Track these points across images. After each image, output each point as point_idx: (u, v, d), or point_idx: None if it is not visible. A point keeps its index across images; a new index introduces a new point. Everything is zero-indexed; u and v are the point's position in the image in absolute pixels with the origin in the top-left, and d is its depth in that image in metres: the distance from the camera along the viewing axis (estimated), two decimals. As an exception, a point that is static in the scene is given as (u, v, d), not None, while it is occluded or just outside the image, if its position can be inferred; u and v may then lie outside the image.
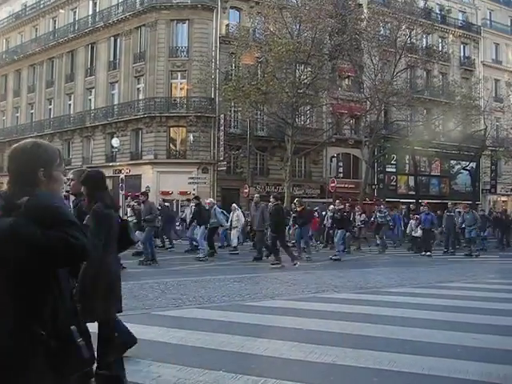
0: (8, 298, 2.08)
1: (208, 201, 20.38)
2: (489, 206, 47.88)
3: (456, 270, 15.90)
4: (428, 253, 21.64)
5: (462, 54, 50.58)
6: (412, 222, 24.19)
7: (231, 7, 39.04)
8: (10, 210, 2.15)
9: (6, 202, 2.20)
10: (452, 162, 46.51)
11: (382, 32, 37.73)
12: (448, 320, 8.04)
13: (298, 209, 18.94)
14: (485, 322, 7.89)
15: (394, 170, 44.42)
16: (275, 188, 37.78)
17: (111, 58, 41.53)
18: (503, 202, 52.03)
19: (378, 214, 25.43)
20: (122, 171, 36.63)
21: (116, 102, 40.58)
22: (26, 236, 2.06)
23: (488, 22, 52.92)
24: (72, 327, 2.21)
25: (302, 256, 18.12)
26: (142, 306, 8.63)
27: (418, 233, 22.93)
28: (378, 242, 24.20)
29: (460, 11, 51.11)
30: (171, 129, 37.86)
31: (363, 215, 26.65)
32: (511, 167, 50.09)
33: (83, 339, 2.23)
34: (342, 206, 20.69)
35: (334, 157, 42.02)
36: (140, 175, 36.48)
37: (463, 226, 23.02)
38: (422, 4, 43.85)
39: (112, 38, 41.24)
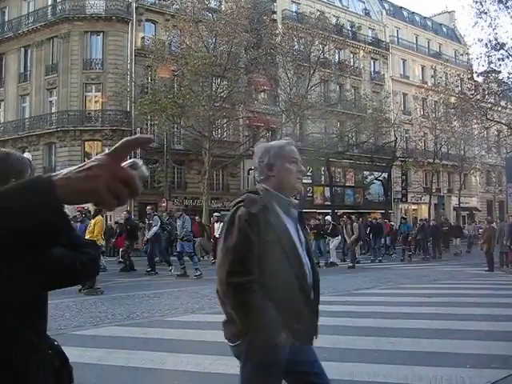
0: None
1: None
2: (400, 214, 49.84)
3: (371, 278, 16.37)
4: None
5: (372, 69, 52.55)
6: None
7: (146, 20, 38.73)
8: None
9: None
10: (365, 172, 48.02)
11: (296, 47, 38.60)
12: (365, 326, 8.27)
13: None
14: (400, 326, 8.17)
15: (309, 181, 45.29)
16: (193, 201, 37.64)
17: (21, 70, 40.04)
18: (413, 210, 54.30)
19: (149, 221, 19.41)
20: (34, 187, 35.34)
21: (27, 116, 39.12)
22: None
23: (395, 38, 55.34)
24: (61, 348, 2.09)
25: None
26: (57, 327, 8.19)
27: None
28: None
29: (370, 28, 53.15)
30: (86, 143, 36.95)
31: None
32: (420, 177, 52.43)
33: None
34: None
35: (251, 169, 42.24)
36: (53, 191, 35.16)
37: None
38: (333, 21, 45.26)
39: (22, 49, 39.80)
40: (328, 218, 23.73)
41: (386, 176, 45.84)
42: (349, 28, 49.82)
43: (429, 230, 27.12)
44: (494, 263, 18.95)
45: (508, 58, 28.36)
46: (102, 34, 37.44)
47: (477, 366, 5.85)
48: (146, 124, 37.43)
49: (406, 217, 33.25)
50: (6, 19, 41.19)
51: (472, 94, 36.65)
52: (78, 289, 12.93)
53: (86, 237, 14.07)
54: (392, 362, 6.07)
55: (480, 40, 29.58)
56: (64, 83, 36.92)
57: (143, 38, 38.08)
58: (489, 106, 36.26)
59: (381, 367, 5.82)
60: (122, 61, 36.60)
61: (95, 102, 37.73)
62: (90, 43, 37.62)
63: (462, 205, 51.94)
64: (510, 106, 42.60)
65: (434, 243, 27.28)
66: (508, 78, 30.38)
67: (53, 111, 37.82)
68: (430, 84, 52.16)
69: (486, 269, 18.65)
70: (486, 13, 28.22)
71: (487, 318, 8.99)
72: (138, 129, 36.25)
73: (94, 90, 37.63)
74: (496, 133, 49.84)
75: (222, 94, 33.66)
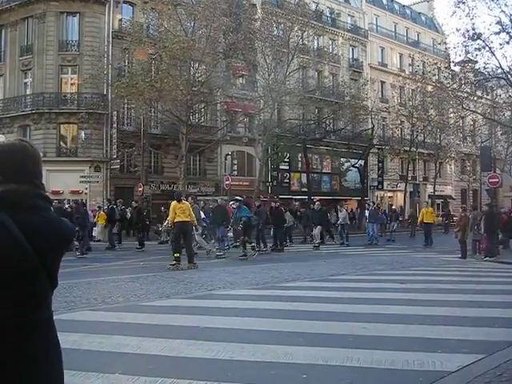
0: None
1: None
2: (376, 202, 50.31)
3: (346, 263, 16.52)
4: None
5: (350, 56, 52.65)
6: None
7: (124, 1, 38.18)
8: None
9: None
10: (342, 159, 48.27)
11: (275, 32, 38.43)
12: (340, 311, 8.36)
13: None
14: (374, 312, 8.27)
15: (287, 167, 45.42)
16: (170, 186, 37.48)
17: (-5, 50, 39.26)
18: (389, 197, 54.79)
19: None
20: (8, 170, 34.76)
21: (1, 97, 38.39)
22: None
23: (374, 26, 55.43)
24: None
25: None
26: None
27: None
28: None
29: (349, 15, 53.15)
30: (61, 125, 36.47)
31: None
32: (396, 164, 52.87)
33: None
34: None
35: (228, 155, 42.31)
36: (28, 174, 34.66)
37: None
38: (313, 7, 45.15)
39: (-4, 29, 39.02)
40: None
41: (363, 163, 46.11)
42: (328, 14, 49.74)
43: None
44: (467, 250, 19.25)
45: (484, 48, 28.53)
46: (78, 14, 36.84)
47: (447, 350, 5.95)
48: (123, 108, 37.10)
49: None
50: (-21, -2, 40.27)
51: (449, 84, 36.96)
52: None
53: (184, 219, 15.19)
54: (366, 346, 6.15)
55: (458, 30, 30.08)
56: (39, 65, 36.31)
57: (121, 20, 37.57)
58: (465, 95, 36.60)
59: (354, 352, 5.90)
60: (99, 43, 36.07)
61: (71, 84, 37.20)
62: (66, 24, 36.99)
63: (436, 193, 52.50)
64: (485, 96, 43.10)
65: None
66: (484, 68, 30.66)
67: (27, 93, 37.20)
68: (407, 72, 52.47)
69: (459, 256, 18.95)
70: (464, 2, 28.36)
71: (459, 304, 9.15)
72: (115, 112, 35.90)
73: (70, 72, 37.08)
74: (471, 122, 50.48)
75: (199, 79, 33.45)
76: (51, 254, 2.06)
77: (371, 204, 28.67)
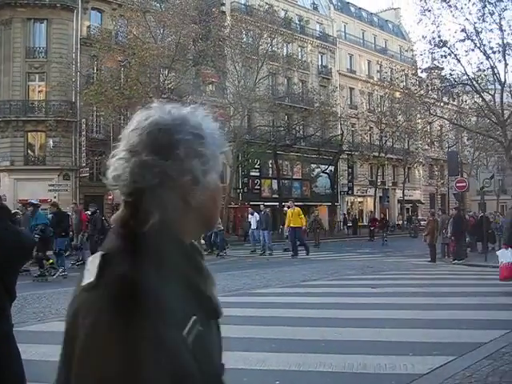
0: None
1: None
2: (347, 207, 50.76)
3: (318, 269, 16.57)
4: None
5: (319, 63, 53.04)
6: None
7: (92, 8, 37.86)
8: None
9: None
10: (312, 165, 48.49)
11: (244, 39, 38.54)
12: (312, 317, 8.39)
13: None
14: (346, 316, 8.32)
15: (257, 174, 45.44)
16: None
17: (-41, 57, 38.53)
18: (359, 202, 55.27)
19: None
20: (-26, 179, 34.13)
21: (-34, 105, 37.72)
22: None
23: (343, 33, 55.99)
24: None
25: None
26: (-1, 322, 8.00)
27: None
28: None
29: (317, 23, 53.57)
30: (29, 134, 35.89)
31: None
32: (366, 170, 53.36)
33: None
34: None
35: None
36: (-6, 183, 34.14)
37: None
38: (282, 14, 45.42)
39: (-40, 36, 38.30)
40: None
41: (333, 169, 46.43)
42: (297, 22, 50.04)
43: None
44: (436, 254, 19.50)
45: (450, 55, 29.03)
46: (45, 21, 36.36)
47: (419, 353, 6.02)
48: (92, 115, 36.72)
49: None
50: None
51: (416, 90, 37.46)
52: None
53: None
54: (338, 351, 6.19)
55: (424, 37, 30.18)
56: (6, 72, 35.72)
57: (89, 26, 37.24)
58: (432, 101, 37.14)
59: (327, 357, 5.93)
60: (67, 50, 35.66)
61: (39, 91, 36.68)
62: (33, 31, 36.48)
63: (406, 197, 53.13)
64: (451, 102, 43.83)
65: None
66: (450, 74, 31.13)
67: (-6, 101, 36.59)
68: (375, 79, 53.10)
69: (429, 259, 19.18)
70: (429, 10, 28.82)
71: (429, 306, 9.27)
72: (84, 120, 35.55)
73: (37, 80, 36.57)
74: (438, 128, 51.26)
75: (169, 86, 33.34)
76: (9, 266, 2.01)
77: (262, 208, 24.82)
